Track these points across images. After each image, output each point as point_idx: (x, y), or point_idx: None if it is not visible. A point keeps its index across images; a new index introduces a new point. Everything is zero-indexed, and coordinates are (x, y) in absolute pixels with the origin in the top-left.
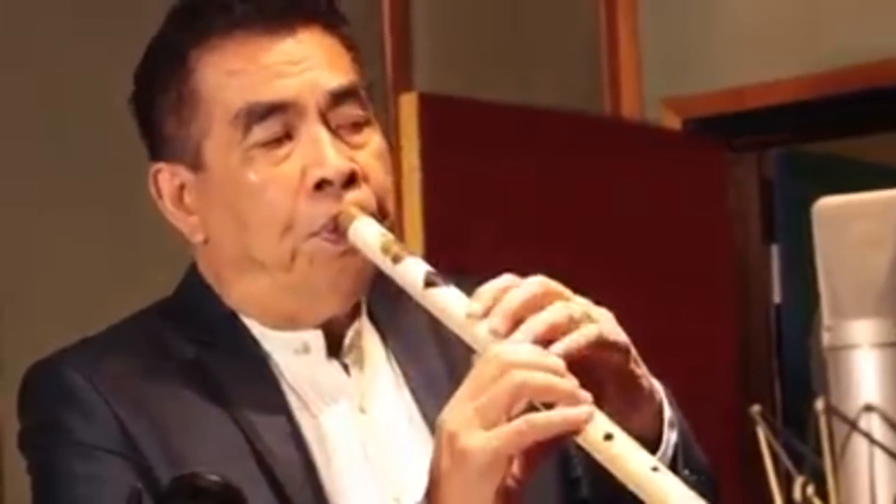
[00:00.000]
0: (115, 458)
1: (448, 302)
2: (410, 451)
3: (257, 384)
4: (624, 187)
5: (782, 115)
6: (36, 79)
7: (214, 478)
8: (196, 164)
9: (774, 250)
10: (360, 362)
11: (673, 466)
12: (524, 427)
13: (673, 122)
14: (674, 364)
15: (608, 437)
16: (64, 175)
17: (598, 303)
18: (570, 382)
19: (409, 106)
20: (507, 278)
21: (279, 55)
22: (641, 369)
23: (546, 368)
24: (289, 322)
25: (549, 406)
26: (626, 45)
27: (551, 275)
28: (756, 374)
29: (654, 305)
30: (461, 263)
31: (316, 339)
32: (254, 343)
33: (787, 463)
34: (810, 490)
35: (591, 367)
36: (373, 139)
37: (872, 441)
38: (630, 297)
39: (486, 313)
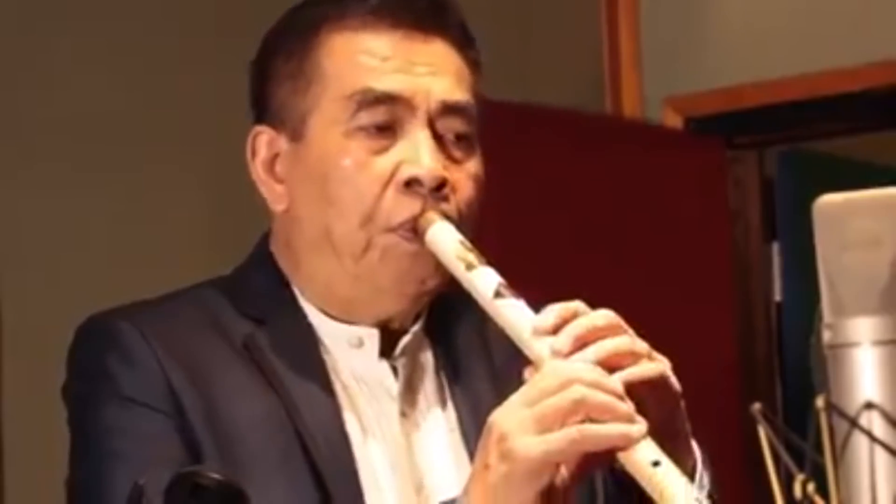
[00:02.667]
0: (159, 416)
1: (515, 315)
2: (445, 461)
3: (307, 367)
4: (625, 186)
5: (783, 114)
6: (38, 70)
7: (216, 476)
8: (297, 135)
9: (775, 248)
10: (409, 368)
11: None
12: (576, 435)
13: (674, 121)
14: (674, 362)
15: (656, 463)
16: (66, 161)
17: (599, 300)
18: (629, 406)
19: None
20: (577, 303)
21: (406, 54)
22: (687, 425)
23: (606, 390)
24: (347, 311)
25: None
26: (626, 44)
27: (552, 273)
28: (757, 372)
29: (655, 303)
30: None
31: (371, 336)
32: (309, 328)
33: (788, 460)
34: (811, 488)
35: (643, 408)
36: (472, 160)
37: (873, 438)
38: (630, 295)
39: (552, 331)
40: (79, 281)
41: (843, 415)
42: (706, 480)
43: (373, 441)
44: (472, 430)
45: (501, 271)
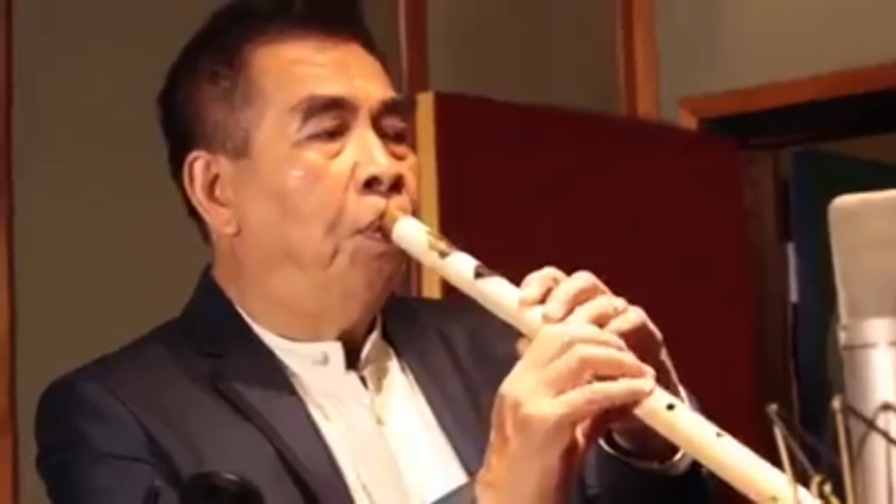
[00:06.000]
0: (143, 466)
1: (499, 291)
2: (429, 459)
3: (276, 394)
4: (640, 187)
5: (798, 115)
6: (39, 70)
7: (232, 476)
8: (241, 153)
9: (790, 249)
10: (376, 375)
11: (693, 465)
12: (591, 395)
13: (689, 122)
14: (691, 363)
15: (670, 406)
16: (67, 161)
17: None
18: (633, 357)
19: (425, 105)
20: (550, 269)
21: (333, 59)
22: (671, 368)
23: (608, 344)
24: (309, 327)
25: (610, 379)
26: (642, 46)
27: (569, 274)
28: (773, 373)
29: (671, 304)
30: (478, 260)
31: (335, 350)
32: (269, 354)
33: (804, 461)
34: (827, 489)
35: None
36: (410, 154)
37: (890, 440)
38: (647, 296)
39: (539, 300)
40: (80, 280)
41: (859, 416)
42: None
43: (355, 455)
44: (451, 423)
45: (518, 271)
